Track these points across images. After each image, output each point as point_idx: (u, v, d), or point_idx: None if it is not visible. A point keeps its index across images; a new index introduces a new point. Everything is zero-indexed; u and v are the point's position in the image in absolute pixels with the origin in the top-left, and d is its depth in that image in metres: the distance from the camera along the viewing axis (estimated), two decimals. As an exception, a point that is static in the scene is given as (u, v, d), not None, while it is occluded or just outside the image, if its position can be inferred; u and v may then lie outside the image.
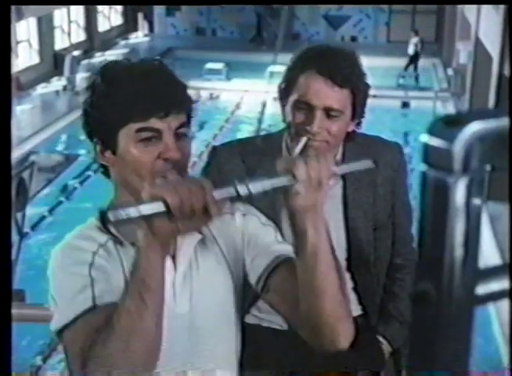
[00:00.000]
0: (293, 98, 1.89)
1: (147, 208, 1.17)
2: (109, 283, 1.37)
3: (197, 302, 1.47)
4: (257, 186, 1.21)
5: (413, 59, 18.30)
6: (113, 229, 1.44)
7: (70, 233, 1.47)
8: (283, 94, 1.94)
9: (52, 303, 1.41)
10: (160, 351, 1.31)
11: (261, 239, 1.52)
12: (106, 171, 1.48)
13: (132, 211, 1.16)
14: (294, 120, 1.89)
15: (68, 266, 1.40)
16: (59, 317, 1.37)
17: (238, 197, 1.20)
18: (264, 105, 13.26)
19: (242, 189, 1.20)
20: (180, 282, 1.46)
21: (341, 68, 1.84)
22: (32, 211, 8.35)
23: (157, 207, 1.17)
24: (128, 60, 1.47)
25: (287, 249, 1.46)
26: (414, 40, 18.36)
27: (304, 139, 1.86)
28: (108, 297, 1.34)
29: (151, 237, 1.22)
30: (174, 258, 1.46)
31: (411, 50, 18.32)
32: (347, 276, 2.06)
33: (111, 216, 1.15)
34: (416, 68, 18.29)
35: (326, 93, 1.84)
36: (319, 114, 1.84)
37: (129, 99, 1.36)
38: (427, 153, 0.49)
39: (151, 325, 1.27)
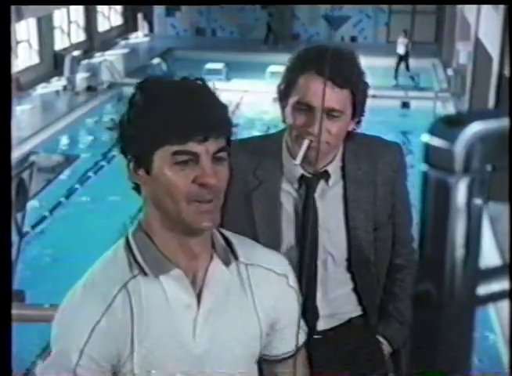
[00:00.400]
0: (293, 100, 1.89)
1: None
2: (105, 345, 1.38)
3: (216, 345, 1.45)
4: None
5: (403, 59, 18.18)
6: (140, 260, 1.42)
7: (83, 282, 1.45)
8: (283, 95, 1.93)
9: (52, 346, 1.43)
10: None
11: (285, 324, 1.57)
12: (137, 187, 1.43)
13: None
14: (295, 122, 1.89)
15: (68, 327, 1.41)
16: (42, 365, 1.43)
17: None
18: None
19: None
20: (202, 321, 1.43)
21: (341, 69, 1.84)
22: (32, 211, 8.35)
23: None
24: (170, 77, 1.42)
25: (298, 340, 1.54)
26: (404, 40, 18.22)
27: (306, 142, 1.86)
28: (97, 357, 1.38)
29: None
30: (199, 295, 1.44)
31: (401, 50, 18.17)
32: (347, 276, 2.06)
33: None
34: (408, 68, 18.18)
35: (327, 94, 1.84)
36: (319, 116, 1.84)
37: (169, 121, 1.31)
38: (428, 153, 0.49)
39: None
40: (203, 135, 1.32)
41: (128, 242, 1.44)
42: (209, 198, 1.34)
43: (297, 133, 1.89)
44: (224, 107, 1.40)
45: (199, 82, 1.39)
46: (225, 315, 1.46)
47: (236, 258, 1.50)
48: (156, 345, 1.40)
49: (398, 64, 18.15)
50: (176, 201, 1.33)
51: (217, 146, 1.34)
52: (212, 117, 1.34)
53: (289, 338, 1.57)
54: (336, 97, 1.84)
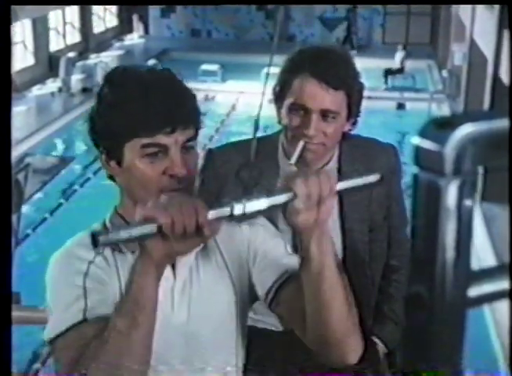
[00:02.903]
0: (288, 101, 1.89)
1: (138, 231, 1.16)
2: (103, 294, 1.37)
3: (196, 312, 1.45)
4: (253, 205, 1.16)
5: (394, 73, 17.98)
6: None
7: (71, 240, 1.47)
8: (278, 97, 1.94)
9: (49, 310, 1.41)
10: (149, 366, 1.31)
11: (270, 251, 1.49)
12: (112, 176, 1.44)
13: (123, 234, 1.15)
14: (291, 123, 1.89)
15: (63, 276, 1.40)
16: (51, 327, 1.37)
17: (231, 217, 1.16)
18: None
19: (237, 209, 1.15)
20: (179, 290, 1.44)
21: (335, 70, 1.84)
22: (30, 212, 8.34)
23: (149, 229, 1.16)
24: (136, 67, 1.42)
25: (296, 262, 1.39)
26: (401, 54, 18.11)
27: (301, 144, 1.87)
28: (101, 308, 1.34)
29: (146, 259, 1.22)
30: (173, 266, 1.45)
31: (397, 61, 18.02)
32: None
33: (101, 239, 1.13)
34: (387, 77, 17.89)
35: (322, 96, 1.84)
36: (315, 117, 1.85)
37: (136, 114, 1.32)
38: (419, 155, 0.49)
39: (141, 346, 1.26)
40: (171, 126, 1.33)
41: (104, 224, 1.47)
42: (181, 187, 1.35)
43: (292, 134, 1.90)
44: (191, 96, 1.40)
45: (166, 72, 1.40)
46: (199, 283, 1.46)
47: None
48: None
49: (386, 77, 17.93)
50: (148, 192, 1.34)
51: (185, 137, 1.36)
52: (179, 107, 1.35)
53: (275, 263, 1.48)
54: (331, 99, 1.85)
